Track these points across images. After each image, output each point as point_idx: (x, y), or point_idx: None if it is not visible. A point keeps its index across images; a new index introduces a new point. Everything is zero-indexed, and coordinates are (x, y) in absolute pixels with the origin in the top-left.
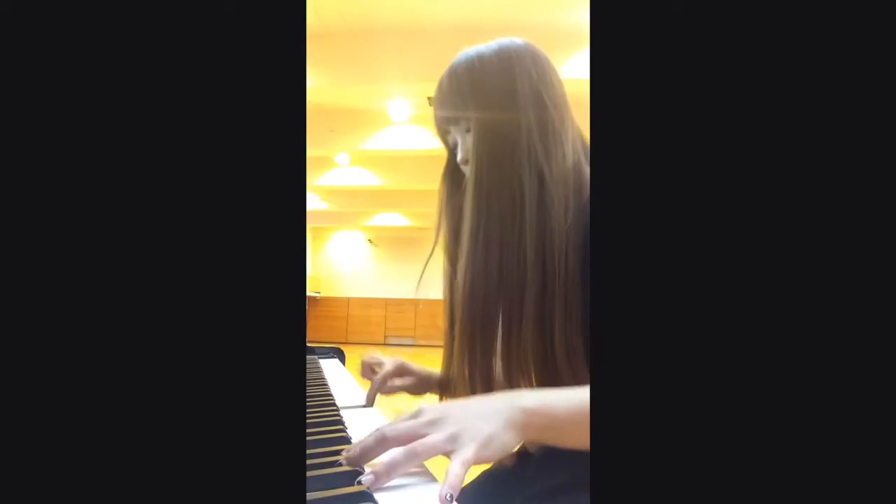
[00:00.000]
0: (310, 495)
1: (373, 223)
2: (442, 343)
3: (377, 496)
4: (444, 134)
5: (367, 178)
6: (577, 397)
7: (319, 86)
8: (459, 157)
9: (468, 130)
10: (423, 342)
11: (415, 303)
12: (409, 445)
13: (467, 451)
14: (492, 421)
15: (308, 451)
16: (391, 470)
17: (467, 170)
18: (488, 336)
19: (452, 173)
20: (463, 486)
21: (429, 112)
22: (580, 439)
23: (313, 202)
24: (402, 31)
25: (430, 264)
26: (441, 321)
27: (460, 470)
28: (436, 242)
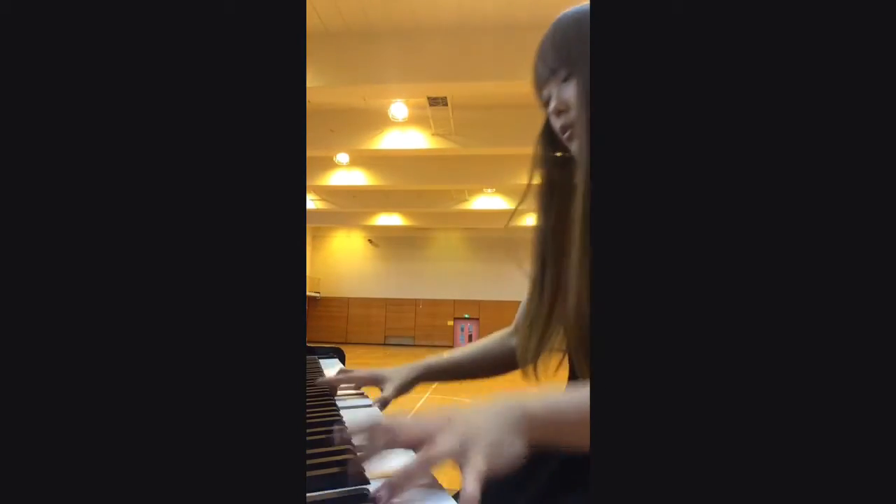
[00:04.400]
0: (310, 495)
1: (373, 223)
2: (441, 343)
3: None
4: (540, 89)
5: (368, 179)
6: (582, 397)
7: (320, 86)
8: (552, 106)
9: (566, 80)
10: (422, 342)
11: (415, 303)
12: (422, 455)
13: (478, 461)
14: (497, 426)
15: (308, 451)
16: (406, 482)
17: (559, 122)
18: None
19: (549, 136)
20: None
21: (428, 112)
22: (586, 440)
23: (313, 202)
24: (402, 32)
25: (427, 265)
26: (440, 321)
27: (475, 486)
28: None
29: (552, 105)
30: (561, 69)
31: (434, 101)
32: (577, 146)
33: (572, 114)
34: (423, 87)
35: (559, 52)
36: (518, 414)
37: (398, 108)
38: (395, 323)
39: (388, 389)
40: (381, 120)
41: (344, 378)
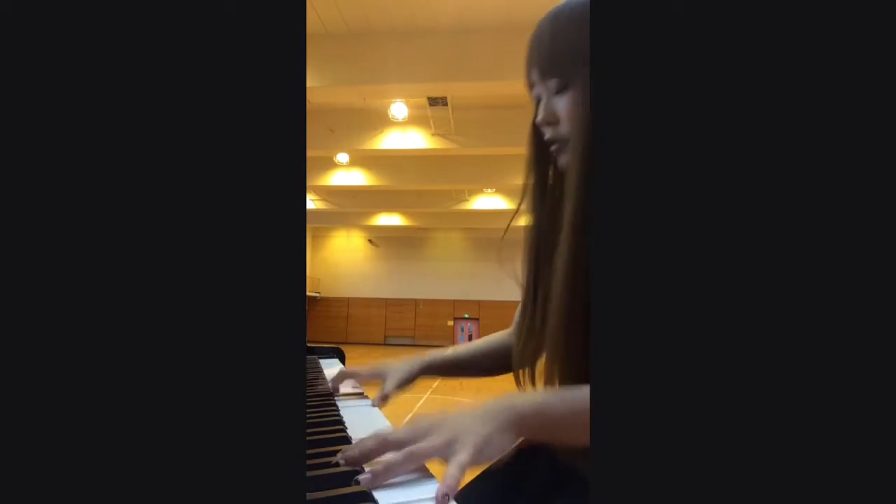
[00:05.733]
0: (310, 495)
1: (373, 223)
2: (441, 343)
3: (377, 496)
4: (530, 86)
5: (368, 179)
6: (571, 397)
7: (320, 86)
8: (540, 117)
9: (559, 92)
10: (422, 342)
11: (415, 303)
12: (407, 448)
13: (463, 455)
14: (488, 424)
15: (308, 451)
16: (388, 470)
17: (547, 132)
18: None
19: (540, 136)
20: (460, 487)
21: (428, 112)
22: (576, 438)
23: (313, 202)
24: (402, 33)
25: (427, 265)
26: (440, 321)
27: (456, 472)
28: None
29: (540, 115)
30: (554, 78)
31: (434, 101)
32: (565, 160)
33: (562, 128)
34: (423, 87)
35: (554, 58)
36: (506, 412)
37: (398, 108)
38: (395, 323)
39: (389, 385)
40: (381, 120)
41: (347, 374)
